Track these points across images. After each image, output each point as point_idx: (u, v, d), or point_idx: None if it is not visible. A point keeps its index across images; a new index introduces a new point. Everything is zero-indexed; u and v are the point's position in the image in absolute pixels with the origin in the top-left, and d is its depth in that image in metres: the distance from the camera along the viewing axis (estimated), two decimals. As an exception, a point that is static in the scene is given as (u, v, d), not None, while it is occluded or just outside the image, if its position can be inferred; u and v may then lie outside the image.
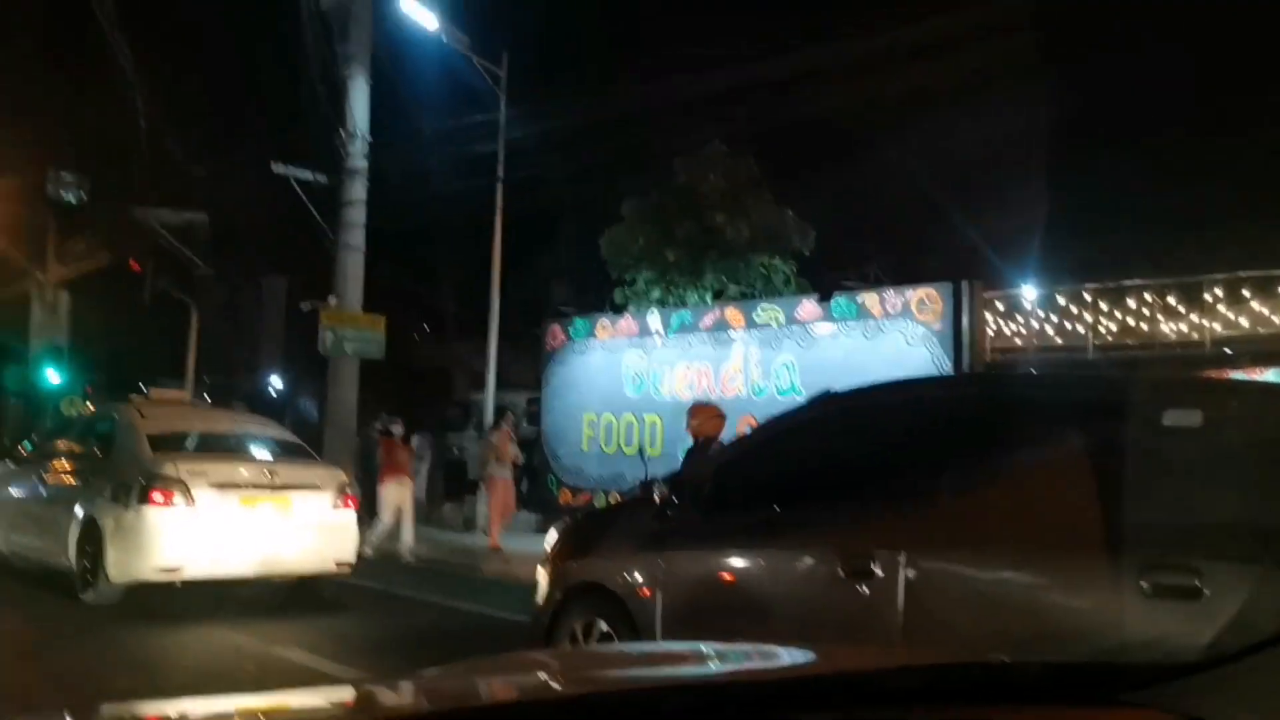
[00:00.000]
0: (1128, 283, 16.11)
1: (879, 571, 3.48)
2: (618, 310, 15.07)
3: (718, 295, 15.62)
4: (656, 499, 4.34)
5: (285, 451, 8.65)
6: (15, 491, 9.02)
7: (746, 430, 8.03)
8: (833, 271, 18.13)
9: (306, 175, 13.52)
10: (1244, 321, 15.07)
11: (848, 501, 3.89)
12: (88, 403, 18.82)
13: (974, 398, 4.19)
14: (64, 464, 8.66)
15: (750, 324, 11.69)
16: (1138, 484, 3.06)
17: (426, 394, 25.86)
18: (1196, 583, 2.83)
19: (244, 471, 7.84)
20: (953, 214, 20.11)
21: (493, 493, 12.10)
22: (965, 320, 10.09)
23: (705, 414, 7.01)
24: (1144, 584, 2.93)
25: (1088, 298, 16.40)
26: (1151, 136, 21.41)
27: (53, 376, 21.87)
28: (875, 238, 22.84)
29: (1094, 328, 16.33)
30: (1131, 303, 16.08)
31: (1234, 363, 14.57)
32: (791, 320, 11.34)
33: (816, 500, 3.98)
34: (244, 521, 7.47)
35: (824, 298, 11.30)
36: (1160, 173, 20.77)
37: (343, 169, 13.44)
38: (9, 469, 9.51)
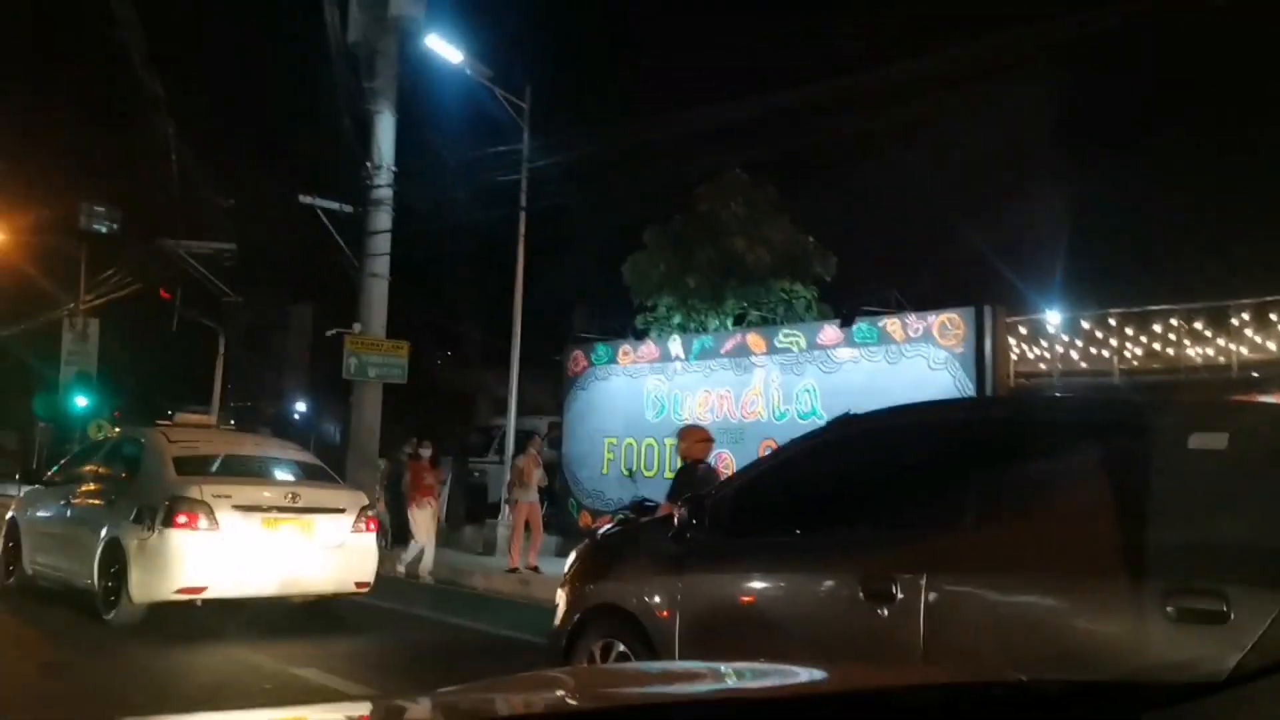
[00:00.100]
0: (1154, 308, 15.96)
1: (900, 594, 3.44)
2: (639, 336, 15.13)
3: (739, 321, 15.62)
4: (675, 521, 4.33)
5: (308, 474, 8.71)
6: (42, 513, 9.12)
7: (766, 453, 8.01)
8: (854, 296, 18.09)
9: (333, 205, 13.76)
10: (1271, 345, 14.89)
11: (868, 524, 3.86)
12: (115, 427, 19.04)
13: (995, 420, 4.15)
14: (90, 486, 8.73)
15: (772, 349, 11.69)
16: (1162, 507, 3.03)
17: (449, 419, 25.99)
18: (1224, 607, 2.79)
19: (267, 494, 7.90)
20: (976, 238, 20.03)
21: (516, 515, 12.14)
22: (988, 344, 10.05)
23: (693, 437, 7.12)
24: (1169, 608, 2.87)
25: (1113, 323, 16.26)
26: (1178, 161, 21.30)
27: (81, 401, 22.20)
28: (897, 263, 22.78)
29: (1119, 352, 16.17)
30: (1157, 327, 15.92)
31: (1262, 387, 14.37)
32: (813, 345, 11.33)
33: (837, 523, 3.95)
34: (266, 543, 7.51)
35: (846, 323, 11.28)
36: (1186, 196, 20.63)
37: (368, 199, 13.67)
38: (37, 491, 9.64)
